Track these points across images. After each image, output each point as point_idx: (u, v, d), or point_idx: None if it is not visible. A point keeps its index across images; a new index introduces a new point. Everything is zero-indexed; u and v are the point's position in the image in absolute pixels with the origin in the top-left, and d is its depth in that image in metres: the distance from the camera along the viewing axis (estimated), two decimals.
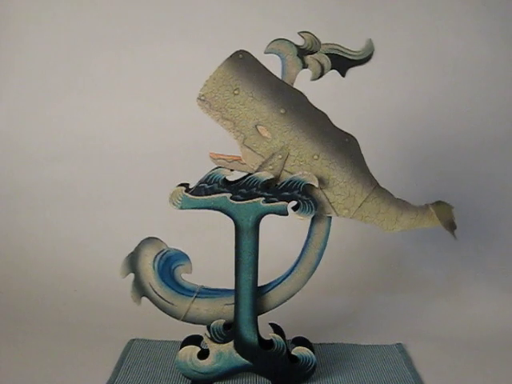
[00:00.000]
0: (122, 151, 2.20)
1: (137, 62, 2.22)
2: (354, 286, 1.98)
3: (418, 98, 2.18)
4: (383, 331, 1.75)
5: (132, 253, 1.41)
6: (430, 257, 2.08)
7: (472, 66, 2.19)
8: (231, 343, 1.42)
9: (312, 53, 1.33)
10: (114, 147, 2.21)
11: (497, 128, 2.17)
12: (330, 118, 1.35)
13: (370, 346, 1.65)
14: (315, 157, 1.34)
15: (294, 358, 1.44)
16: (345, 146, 1.35)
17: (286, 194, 1.34)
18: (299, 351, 1.44)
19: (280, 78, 1.34)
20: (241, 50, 1.31)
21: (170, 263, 1.42)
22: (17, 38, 2.24)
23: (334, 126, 1.35)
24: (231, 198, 1.34)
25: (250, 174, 1.34)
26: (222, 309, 1.42)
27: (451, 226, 1.38)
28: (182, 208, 1.35)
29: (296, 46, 1.34)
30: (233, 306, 1.41)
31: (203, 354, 1.43)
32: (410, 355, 1.61)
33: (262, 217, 1.36)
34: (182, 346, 1.44)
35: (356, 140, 1.36)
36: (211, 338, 1.43)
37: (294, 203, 1.35)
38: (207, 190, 1.34)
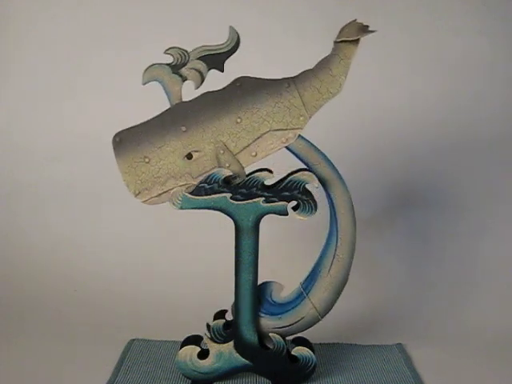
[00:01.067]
0: None
1: (137, 62, 2.21)
2: (354, 286, 1.98)
3: (418, 97, 2.18)
4: (383, 331, 1.75)
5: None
6: (429, 257, 2.07)
7: (472, 66, 2.19)
8: (231, 343, 1.42)
9: (184, 64, 1.35)
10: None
11: (497, 128, 2.17)
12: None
13: (370, 346, 1.65)
14: (238, 120, 1.35)
15: (294, 358, 1.44)
16: (242, 90, 1.34)
17: (286, 194, 1.34)
18: (299, 351, 1.44)
19: (168, 99, 1.36)
20: (115, 135, 1.35)
21: (265, 298, 1.43)
22: (17, 38, 2.24)
23: (221, 89, 1.34)
24: (231, 198, 1.34)
25: (249, 174, 1.34)
26: (329, 275, 1.42)
27: (363, 30, 1.34)
28: (182, 208, 1.35)
29: (167, 65, 1.35)
30: (333, 266, 1.41)
31: (203, 354, 1.43)
32: (410, 355, 1.61)
33: (262, 217, 1.36)
34: (181, 346, 1.44)
35: (244, 76, 1.35)
36: (211, 338, 1.43)
37: (294, 203, 1.35)
38: (207, 190, 1.34)
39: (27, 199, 2.19)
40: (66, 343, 1.64)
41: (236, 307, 1.41)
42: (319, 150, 1.38)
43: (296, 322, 1.43)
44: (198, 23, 2.17)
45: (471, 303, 1.89)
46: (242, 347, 1.42)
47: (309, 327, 1.44)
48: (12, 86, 2.26)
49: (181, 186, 1.35)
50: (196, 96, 1.35)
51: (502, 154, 2.17)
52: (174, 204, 1.35)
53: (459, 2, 2.19)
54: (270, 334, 1.43)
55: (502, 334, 1.74)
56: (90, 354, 1.59)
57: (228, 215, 1.36)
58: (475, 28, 2.18)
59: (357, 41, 1.33)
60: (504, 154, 2.17)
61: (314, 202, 1.34)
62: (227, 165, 1.35)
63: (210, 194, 1.34)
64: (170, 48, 1.35)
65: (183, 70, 1.35)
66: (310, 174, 1.34)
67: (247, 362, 1.43)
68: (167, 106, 1.36)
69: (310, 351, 1.44)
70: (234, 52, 1.35)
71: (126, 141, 1.35)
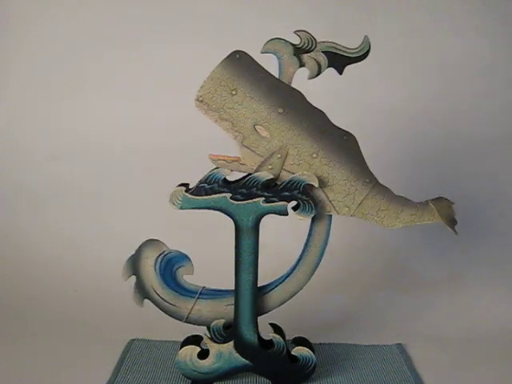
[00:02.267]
0: (122, 151, 2.20)
1: (137, 62, 2.22)
2: (354, 286, 1.98)
3: (418, 97, 2.18)
4: (383, 331, 1.75)
5: (133, 255, 1.41)
6: (430, 257, 2.07)
7: (472, 65, 2.19)
8: (231, 343, 1.42)
9: (308, 51, 1.33)
10: (114, 147, 2.21)
11: (497, 128, 2.17)
12: (329, 116, 1.35)
13: (370, 346, 1.65)
14: (314, 155, 1.34)
15: (294, 358, 1.44)
16: (343, 144, 1.35)
17: (286, 193, 1.34)
18: (299, 351, 1.44)
19: (277, 77, 1.34)
20: (238, 50, 1.31)
21: (171, 265, 1.42)
22: (17, 38, 2.24)
23: (333, 124, 1.35)
24: (231, 198, 1.34)
25: (250, 174, 1.34)
26: (225, 309, 1.42)
27: (452, 222, 1.37)
28: (182, 208, 1.35)
29: (292, 44, 1.33)
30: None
31: (203, 354, 1.43)
32: (410, 355, 1.61)
33: (262, 217, 1.36)
34: (181, 346, 1.44)
35: (354, 137, 1.36)
36: (211, 338, 1.43)
37: (294, 203, 1.35)
38: (207, 190, 1.34)
39: (27, 199, 2.19)
40: (66, 343, 1.64)
41: (236, 307, 1.41)
42: None
43: (166, 302, 1.42)
44: (198, 23, 2.17)
45: (471, 303, 1.89)
46: (242, 347, 1.42)
47: (169, 316, 1.43)
48: (12, 86, 2.26)
49: (230, 134, 1.32)
50: (317, 108, 1.33)
51: (502, 153, 2.17)
52: (174, 204, 1.35)
53: (459, 2, 2.19)
54: (270, 334, 1.43)
55: (502, 333, 1.75)
56: (90, 354, 1.59)
57: (228, 215, 1.36)
58: (475, 28, 2.18)
59: (437, 218, 1.36)
60: (504, 154, 2.17)
61: (314, 201, 1.34)
62: (270, 167, 1.34)
63: (210, 194, 1.34)
64: (301, 30, 1.33)
65: (304, 56, 1.33)
66: (310, 174, 1.34)
67: (247, 362, 1.43)
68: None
69: (309, 351, 1.43)
70: (360, 60, 1.33)
71: (240, 63, 1.30)
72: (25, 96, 2.24)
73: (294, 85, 1.34)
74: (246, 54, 1.31)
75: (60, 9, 2.23)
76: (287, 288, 1.43)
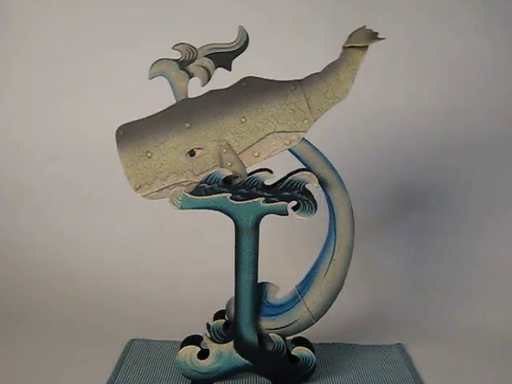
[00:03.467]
0: None
1: (137, 62, 2.21)
2: (354, 286, 1.98)
3: (418, 97, 2.18)
4: (383, 331, 1.75)
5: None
6: (430, 257, 2.07)
7: (472, 65, 2.19)
8: (231, 343, 1.42)
9: (192, 61, 1.34)
10: (114, 147, 2.20)
11: (497, 127, 2.17)
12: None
13: (370, 346, 1.65)
14: (242, 120, 1.35)
15: (294, 358, 1.44)
16: (248, 90, 1.35)
17: (286, 194, 1.34)
18: (299, 351, 1.44)
19: (173, 97, 1.35)
20: (118, 128, 1.34)
21: (259, 300, 1.43)
22: (17, 38, 2.24)
23: (227, 88, 1.35)
24: (231, 198, 1.34)
25: (250, 174, 1.34)
26: (325, 278, 1.41)
27: (373, 37, 1.33)
28: (182, 208, 1.35)
29: (174, 60, 1.35)
30: (329, 270, 1.41)
31: (203, 354, 1.43)
32: (410, 355, 1.61)
33: (262, 217, 1.36)
34: (181, 346, 1.44)
35: (250, 76, 1.35)
36: (211, 338, 1.43)
37: (294, 203, 1.35)
38: (207, 190, 1.34)
39: (27, 199, 2.19)
40: (66, 343, 1.64)
41: (236, 307, 1.41)
42: (321, 153, 1.38)
43: (289, 325, 1.43)
44: (198, 23, 2.17)
45: (471, 303, 1.89)
46: (242, 347, 1.42)
47: (302, 330, 1.44)
48: (12, 86, 2.26)
49: (182, 182, 1.35)
50: (202, 93, 1.34)
51: (502, 153, 2.17)
52: (174, 204, 1.35)
53: (459, 1, 2.19)
54: (270, 334, 1.43)
55: (502, 333, 1.74)
56: (90, 354, 1.59)
57: (228, 215, 1.36)
58: (475, 28, 2.18)
59: (365, 47, 1.33)
60: (504, 154, 2.17)
61: (314, 202, 1.34)
62: (229, 164, 1.35)
63: (210, 194, 1.34)
64: (179, 44, 1.34)
65: (190, 67, 1.34)
66: (310, 174, 1.34)
67: (247, 362, 1.43)
68: (169, 104, 1.36)
69: (309, 351, 1.43)
70: (242, 51, 1.34)
71: (129, 134, 1.35)
72: (25, 96, 2.24)
73: None
74: (124, 125, 1.34)
75: (60, 9, 2.23)
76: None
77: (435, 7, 2.20)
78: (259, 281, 1.41)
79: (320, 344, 1.62)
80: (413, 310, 1.87)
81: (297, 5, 2.19)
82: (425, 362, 1.57)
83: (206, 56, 1.35)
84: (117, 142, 1.35)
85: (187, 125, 1.34)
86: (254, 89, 1.34)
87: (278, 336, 1.42)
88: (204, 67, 1.34)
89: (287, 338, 1.46)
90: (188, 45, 1.35)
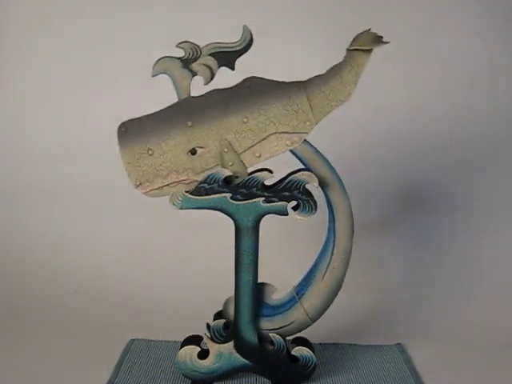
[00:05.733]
0: None
1: (137, 62, 2.21)
2: (355, 286, 1.98)
3: (418, 97, 2.18)
4: (383, 331, 1.75)
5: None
6: (430, 257, 2.07)
7: (472, 66, 2.18)
8: (231, 343, 1.42)
9: (196, 59, 1.34)
10: (115, 147, 2.20)
11: (497, 127, 2.17)
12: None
13: (370, 346, 1.65)
14: (244, 120, 1.34)
15: (294, 358, 1.44)
16: (251, 90, 1.34)
17: (286, 194, 1.34)
18: (299, 351, 1.44)
19: (175, 94, 1.35)
20: (120, 124, 1.34)
21: (257, 299, 1.42)
22: (17, 38, 2.24)
23: (230, 88, 1.34)
24: (231, 198, 1.34)
25: (250, 174, 1.34)
26: (323, 280, 1.41)
27: (377, 41, 1.33)
28: (181, 208, 1.35)
29: (178, 58, 1.34)
30: (327, 273, 1.41)
31: (203, 354, 1.43)
32: (410, 355, 1.61)
33: (262, 217, 1.36)
34: (181, 346, 1.44)
35: (254, 76, 1.34)
36: (211, 338, 1.43)
37: (294, 203, 1.35)
38: (207, 190, 1.34)
39: (27, 199, 2.19)
40: (66, 343, 1.64)
41: (236, 307, 1.41)
42: (321, 154, 1.38)
43: (286, 326, 1.42)
44: (198, 23, 2.17)
45: (471, 303, 1.89)
46: (242, 347, 1.42)
47: (299, 331, 1.44)
48: (12, 86, 2.26)
49: (183, 180, 1.35)
50: (205, 92, 1.34)
51: (502, 153, 2.17)
52: (174, 204, 1.35)
53: (459, 2, 2.19)
54: (270, 334, 1.43)
55: (502, 333, 1.74)
56: (90, 354, 1.59)
57: (228, 215, 1.36)
58: (475, 28, 2.18)
59: (370, 51, 1.33)
60: (505, 154, 2.17)
61: (314, 202, 1.34)
62: (230, 163, 1.34)
63: (210, 194, 1.34)
64: (182, 42, 1.34)
65: (194, 65, 1.34)
66: (310, 174, 1.34)
67: (247, 362, 1.43)
68: (169, 103, 1.36)
69: (309, 351, 1.43)
70: (246, 51, 1.34)
71: (131, 131, 1.34)
72: (25, 96, 2.24)
73: None
74: (128, 121, 1.34)
75: (60, 9, 2.23)
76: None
77: (435, 7, 2.20)
78: (259, 281, 1.41)
79: (320, 344, 1.62)
80: (413, 310, 1.87)
81: (297, 5, 2.19)
82: (425, 362, 1.57)
83: (209, 55, 1.34)
84: (118, 138, 1.35)
85: (189, 123, 1.34)
86: (257, 89, 1.34)
87: (278, 336, 1.42)
88: (207, 66, 1.34)
89: (287, 338, 1.46)
90: (192, 43, 1.34)
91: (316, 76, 1.35)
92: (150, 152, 1.34)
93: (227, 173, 1.33)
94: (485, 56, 2.18)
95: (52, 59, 2.24)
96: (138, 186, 1.36)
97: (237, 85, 1.34)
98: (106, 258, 2.05)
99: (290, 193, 1.34)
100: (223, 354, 1.43)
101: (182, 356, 1.43)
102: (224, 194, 1.34)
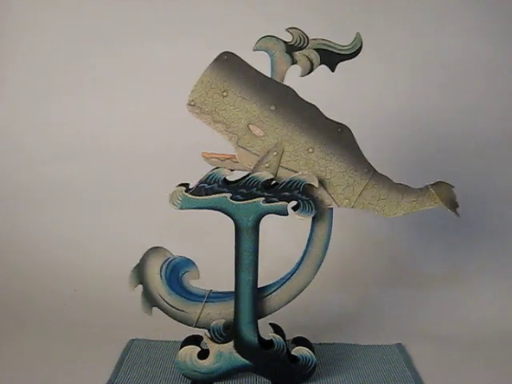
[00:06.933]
0: (122, 151, 2.20)
1: (137, 63, 2.22)
2: (354, 285, 1.98)
3: (418, 97, 2.18)
4: (383, 331, 1.75)
5: (138, 264, 1.41)
6: (430, 256, 2.07)
7: (472, 66, 2.19)
8: (231, 343, 1.42)
9: (300, 49, 1.33)
10: (115, 147, 2.21)
11: (497, 128, 2.17)
12: (330, 115, 1.35)
13: (370, 346, 1.65)
14: (310, 150, 1.34)
15: (294, 358, 1.44)
16: (338, 136, 1.35)
17: (286, 194, 1.34)
18: (299, 351, 1.44)
19: (269, 75, 1.34)
20: (225, 52, 1.31)
21: (176, 271, 1.42)
22: (17, 38, 2.24)
23: (326, 118, 1.35)
24: (231, 198, 1.34)
25: (249, 174, 1.34)
26: (233, 312, 1.42)
27: (453, 205, 1.37)
28: (182, 208, 1.35)
29: (284, 42, 1.34)
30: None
31: (203, 354, 1.43)
32: (410, 355, 1.61)
33: (262, 217, 1.36)
34: (181, 346, 1.44)
35: (349, 129, 1.35)
36: (211, 338, 1.43)
37: (294, 203, 1.35)
38: (207, 190, 1.34)
39: (27, 199, 2.19)
40: (66, 343, 1.64)
41: (236, 307, 1.41)
42: None
43: (174, 308, 1.42)
44: (199, 24, 2.17)
45: (471, 303, 1.89)
46: (242, 347, 1.42)
47: (179, 322, 1.44)
48: (12, 86, 2.26)
49: (224, 135, 1.32)
50: (309, 101, 1.33)
51: (502, 153, 2.17)
52: (174, 204, 1.35)
53: (459, 2, 2.19)
54: (270, 334, 1.43)
55: (501, 333, 1.75)
56: (90, 354, 1.59)
57: (228, 215, 1.36)
58: (475, 28, 2.18)
59: (438, 203, 1.35)
60: (505, 154, 2.17)
61: (314, 202, 1.34)
62: (267, 165, 1.34)
63: (210, 194, 1.34)
64: (293, 28, 1.33)
65: (296, 54, 1.33)
66: (310, 174, 1.34)
67: (247, 361, 1.43)
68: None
69: (309, 351, 1.43)
70: (351, 58, 1.34)
71: (227, 64, 1.31)
72: (25, 96, 2.24)
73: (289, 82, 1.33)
74: (234, 55, 1.32)
75: (60, 8, 2.23)
76: (293, 285, 1.42)
77: (436, 7, 2.20)
78: (259, 281, 1.41)
79: (320, 344, 1.63)
80: (413, 310, 1.87)
81: (296, 5, 2.19)
82: (425, 362, 1.57)
83: (315, 49, 1.33)
84: (215, 60, 1.31)
85: (272, 107, 1.32)
86: (343, 142, 1.34)
87: (278, 336, 1.42)
88: (309, 59, 1.33)
89: (287, 338, 1.46)
90: (302, 32, 1.33)
91: (388, 178, 1.37)
92: (225, 94, 1.31)
93: (227, 173, 1.33)
94: (485, 56, 2.18)
95: (52, 59, 2.24)
96: (191, 104, 1.32)
97: (334, 122, 1.34)
98: (106, 258, 2.05)
99: (289, 193, 1.34)
100: (223, 353, 1.43)
101: (181, 356, 1.43)
102: (224, 194, 1.34)
